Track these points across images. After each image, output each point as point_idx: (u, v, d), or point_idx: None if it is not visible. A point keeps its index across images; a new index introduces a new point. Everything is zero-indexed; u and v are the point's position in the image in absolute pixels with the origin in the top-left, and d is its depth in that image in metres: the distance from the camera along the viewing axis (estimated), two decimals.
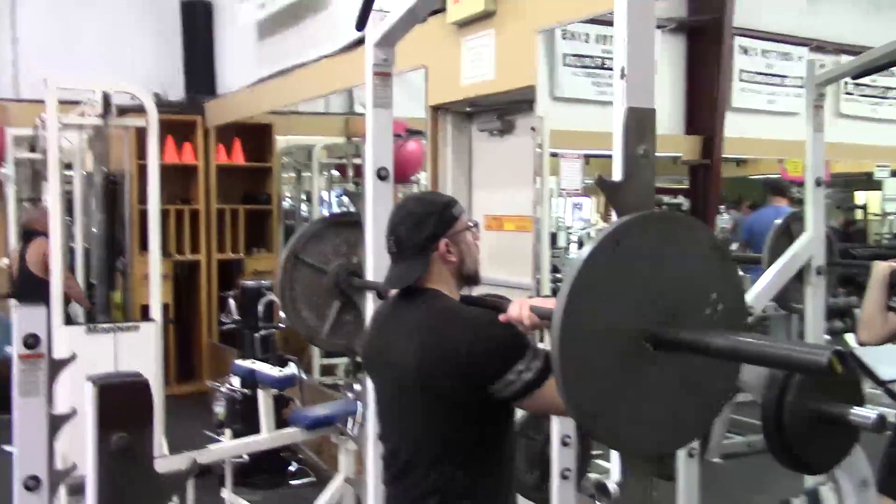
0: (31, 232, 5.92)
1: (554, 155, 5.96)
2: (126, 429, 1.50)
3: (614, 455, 1.50)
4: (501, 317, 1.94)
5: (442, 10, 3.90)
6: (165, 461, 2.91)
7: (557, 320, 1.30)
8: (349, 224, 2.84)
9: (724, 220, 10.51)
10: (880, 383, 4.83)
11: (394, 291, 2.10)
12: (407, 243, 1.97)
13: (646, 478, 1.52)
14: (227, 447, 4.15)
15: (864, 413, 1.66)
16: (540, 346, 1.84)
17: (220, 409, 4.89)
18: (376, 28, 2.50)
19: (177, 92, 7.77)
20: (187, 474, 1.72)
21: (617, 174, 1.52)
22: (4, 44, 7.22)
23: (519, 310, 1.88)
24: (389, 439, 2.05)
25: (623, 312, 1.33)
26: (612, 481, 1.48)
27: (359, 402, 3.44)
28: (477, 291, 2.19)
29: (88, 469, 1.56)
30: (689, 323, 1.36)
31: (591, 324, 1.31)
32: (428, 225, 1.96)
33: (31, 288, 5.65)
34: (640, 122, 1.54)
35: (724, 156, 7.87)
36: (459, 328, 1.86)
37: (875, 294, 2.88)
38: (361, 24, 2.43)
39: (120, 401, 1.52)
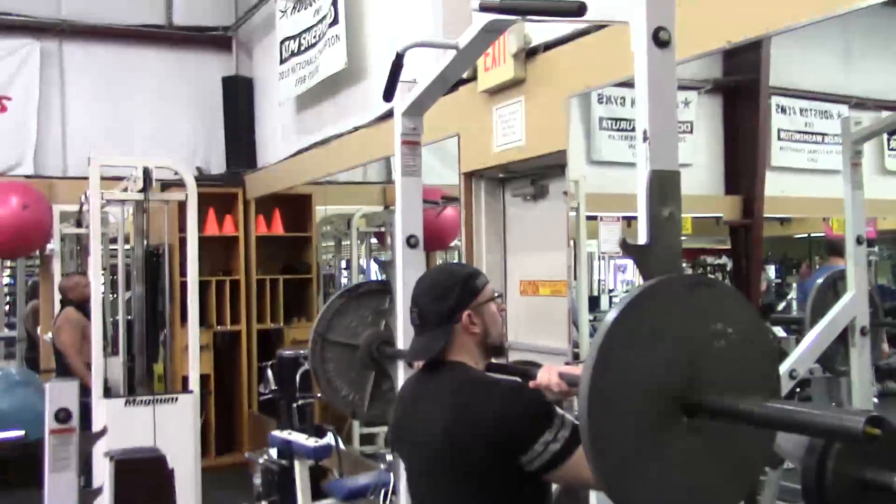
0: (65, 301, 6.02)
1: (593, 218, 5.96)
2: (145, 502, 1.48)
3: None
4: (531, 383, 1.91)
5: (473, 79, 3.95)
6: None
7: (585, 386, 1.27)
8: (370, 293, 2.83)
9: (767, 278, 10.35)
10: None
11: (419, 364, 2.09)
12: (430, 315, 1.97)
13: None
14: None
15: None
16: (568, 416, 1.80)
17: (258, 480, 4.86)
18: (404, 98, 2.53)
19: (218, 165, 7.94)
20: None
21: (642, 237, 1.51)
22: (54, 124, 7.45)
23: (548, 376, 1.85)
24: None
25: (652, 378, 1.30)
26: None
27: (391, 473, 3.39)
28: (513, 357, 2.17)
29: None
30: (722, 388, 1.32)
31: (619, 389, 1.28)
32: (451, 296, 1.96)
33: (58, 359, 5.76)
34: (664, 185, 1.53)
35: (765, 215, 7.78)
36: (486, 398, 1.84)
37: None
38: (389, 94, 2.46)
39: (138, 476, 1.51)
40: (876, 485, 1.65)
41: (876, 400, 3.53)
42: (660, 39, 1.51)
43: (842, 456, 1.66)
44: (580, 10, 1.63)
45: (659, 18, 1.50)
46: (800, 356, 3.01)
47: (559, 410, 1.83)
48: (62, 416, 1.88)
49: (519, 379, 2.04)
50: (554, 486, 2.01)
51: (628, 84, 1.60)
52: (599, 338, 1.28)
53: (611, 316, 1.30)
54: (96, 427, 3.44)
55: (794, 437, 1.67)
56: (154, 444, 3.69)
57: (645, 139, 1.52)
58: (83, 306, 5.59)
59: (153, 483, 1.47)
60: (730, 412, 1.27)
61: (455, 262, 2.23)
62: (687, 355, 1.32)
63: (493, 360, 2.10)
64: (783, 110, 7.75)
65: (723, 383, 1.33)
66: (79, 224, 6.84)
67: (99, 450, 2.02)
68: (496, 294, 2.08)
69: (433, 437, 1.89)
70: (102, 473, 2.07)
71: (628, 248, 1.47)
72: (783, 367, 2.92)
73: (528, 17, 2.13)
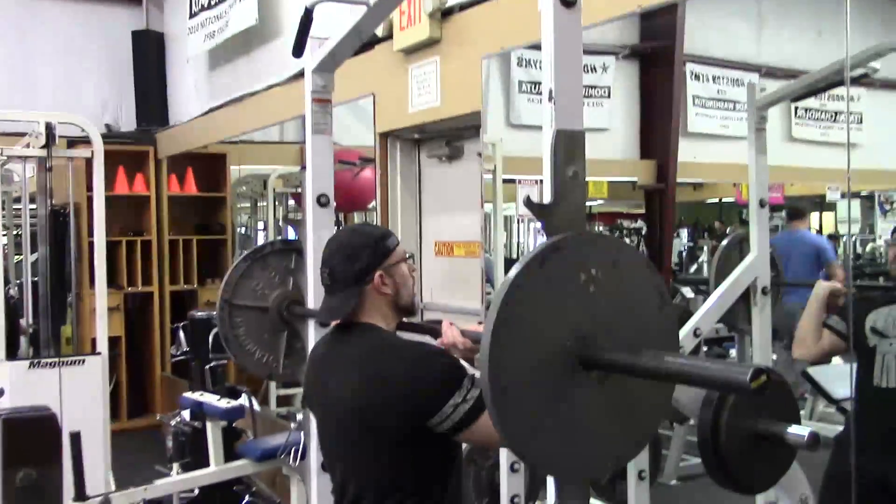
0: None
1: (511, 181, 5.99)
2: (34, 465, 1.44)
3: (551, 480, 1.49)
4: (438, 341, 1.92)
5: (389, 37, 3.91)
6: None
7: (486, 343, 1.28)
8: (276, 253, 2.80)
9: (680, 243, 10.62)
10: (833, 401, 4.89)
11: (332, 324, 2.09)
12: (340, 275, 1.97)
13: (583, 501, 1.50)
14: (174, 481, 4.06)
15: (799, 431, 1.65)
16: (477, 376, 1.82)
17: (170, 443, 4.80)
18: (314, 55, 2.49)
19: (129, 123, 7.70)
20: None
21: (547, 196, 1.52)
22: None
23: (451, 335, 1.87)
24: (336, 474, 2.03)
25: (552, 333, 1.32)
26: None
27: (302, 433, 3.39)
28: (427, 317, 2.18)
29: None
30: (619, 343, 1.35)
31: (519, 346, 1.30)
32: (362, 257, 1.96)
33: None
34: (569, 145, 1.54)
35: (679, 180, 7.96)
36: (394, 363, 1.86)
37: (812, 311, 2.92)
38: (298, 50, 2.42)
39: (27, 437, 1.47)
40: (769, 435, 1.71)
41: (774, 357, 3.67)
42: (566, 0, 1.51)
43: (736, 409, 1.72)
44: None
45: None
46: (703, 315, 3.10)
47: (469, 370, 1.86)
48: None
49: (430, 337, 2.06)
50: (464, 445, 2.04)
51: None
52: (499, 295, 1.29)
53: (512, 272, 1.31)
54: None
55: (691, 391, 1.73)
56: (60, 407, 3.60)
57: (550, 98, 1.53)
58: None
59: (43, 442, 1.44)
60: (624, 366, 1.30)
61: (366, 223, 2.20)
62: (584, 311, 1.34)
63: (405, 320, 2.11)
64: (697, 77, 7.93)
65: (622, 338, 1.36)
66: None
67: None
68: (407, 255, 2.09)
69: (343, 402, 1.91)
70: None
71: (533, 207, 1.48)
72: (688, 326, 3.01)
73: None
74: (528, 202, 1.50)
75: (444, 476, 1.92)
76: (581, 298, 1.34)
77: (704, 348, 4.50)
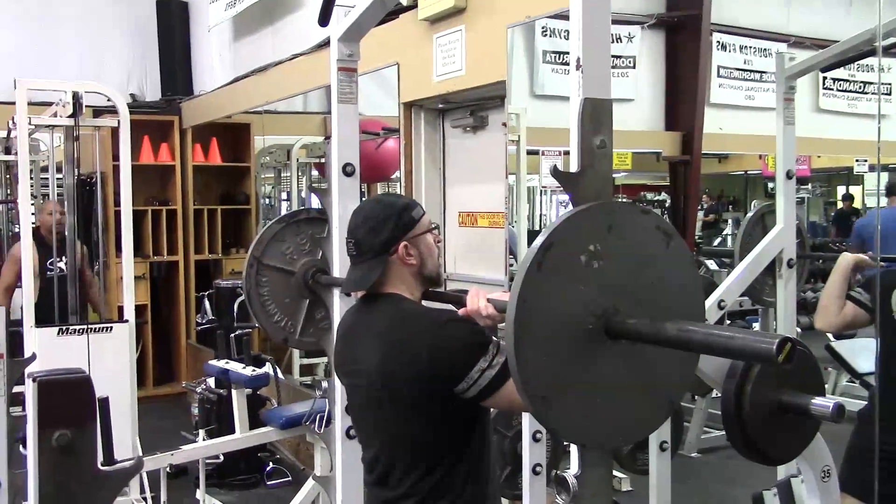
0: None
1: (535, 153, 5.97)
2: (68, 426, 1.47)
3: (573, 448, 1.50)
4: (462, 310, 1.93)
5: (414, 6, 3.89)
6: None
7: (511, 309, 1.29)
8: (309, 220, 2.81)
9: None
10: (857, 375, 4.87)
11: (357, 295, 2.09)
12: (366, 246, 1.97)
13: (605, 470, 1.51)
14: (199, 447, 4.12)
15: (824, 403, 1.65)
16: (503, 342, 1.83)
17: (196, 410, 4.87)
18: (340, 23, 2.48)
19: (153, 92, 7.73)
20: (131, 473, 1.69)
21: (574, 165, 1.52)
22: None
23: (476, 302, 1.87)
24: (368, 444, 2.05)
25: (577, 301, 1.32)
26: (572, 474, 1.47)
27: (326, 401, 3.42)
28: (451, 287, 2.18)
29: (30, 468, 1.53)
30: (640, 302, 1.35)
31: (544, 312, 1.30)
32: (387, 228, 1.96)
33: None
34: (596, 113, 1.53)
35: (704, 152, 7.89)
36: (419, 331, 1.87)
37: (835, 282, 2.90)
38: (324, 19, 2.41)
39: (61, 398, 1.50)
40: (793, 407, 1.71)
41: (799, 330, 3.66)
42: None
43: (760, 380, 1.72)
44: None
45: None
46: (728, 287, 3.08)
47: (493, 338, 1.86)
48: None
49: (452, 307, 2.07)
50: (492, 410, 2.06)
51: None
52: (527, 260, 1.29)
53: (539, 240, 1.31)
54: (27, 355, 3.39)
55: (716, 362, 1.73)
56: (88, 373, 3.66)
57: (578, 67, 1.52)
58: (39, 234, 5.32)
59: (77, 403, 1.47)
60: (647, 335, 1.30)
61: (391, 193, 2.16)
62: (614, 279, 1.34)
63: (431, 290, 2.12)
64: (723, 47, 7.83)
65: (648, 308, 1.36)
66: (7, 151, 6.62)
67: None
68: (433, 225, 2.07)
69: (370, 370, 1.91)
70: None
71: (559, 176, 1.48)
72: (712, 298, 3.00)
73: None
74: (556, 171, 1.49)
75: (473, 442, 1.93)
76: (607, 266, 1.34)
77: (727, 322, 4.48)
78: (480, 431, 1.96)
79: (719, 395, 1.80)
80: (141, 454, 4.18)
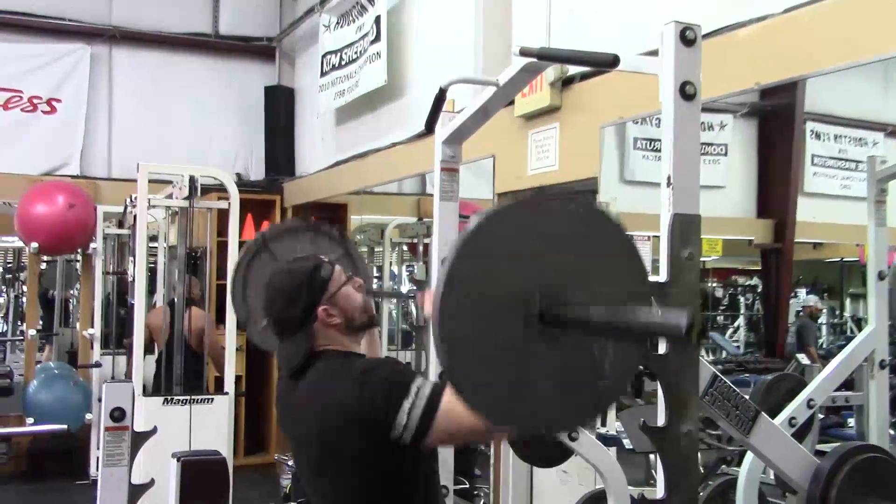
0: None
1: None
2: (204, 501, 1.61)
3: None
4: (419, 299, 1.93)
5: (510, 103, 4.08)
6: None
7: (436, 304, 1.28)
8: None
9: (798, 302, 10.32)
10: None
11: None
12: (286, 323, 1.95)
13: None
14: None
15: None
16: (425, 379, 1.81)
17: (286, 481, 5.00)
18: (445, 128, 2.65)
19: (257, 172, 8.11)
20: None
21: (662, 275, 1.62)
22: (101, 127, 7.64)
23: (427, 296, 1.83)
24: None
25: (508, 289, 1.33)
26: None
27: None
28: None
29: None
30: (580, 297, 1.35)
31: (475, 302, 1.31)
32: (301, 297, 1.92)
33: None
34: (685, 227, 1.64)
35: (797, 239, 7.80)
36: (341, 386, 1.84)
37: None
38: (431, 125, 2.57)
39: (200, 476, 1.64)
40: None
41: (892, 432, 3.59)
42: (686, 93, 1.62)
43: (846, 485, 1.75)
44: (614, 62, 1.75)
45: (686, 73, 1.61)
46: (818, 385, 3.08)
47: (415, 374, 1.82)
48: (117, 414, 2.03)
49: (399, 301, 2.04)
50: None
51: None
52: (448, 261, 1.30)
53: (460, 237, 1.33)
54: (137, 425, 3.60)
55: (799, 464, 1.77)
56: (189, 442, 3.86)
57: (669, 184, 1.63)
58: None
59: (214, 483, 1.60)
60: (569, 320, 1.32)
61: (298, 257, 2.03)
62: (551, 269, 1.36)
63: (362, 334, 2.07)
64: (817, 136, 7.78)
65: (586, 294, 1.36)
66: (120, 225, 7.01)
67: (146, 447, 2.15)
68: (346, 275, 2.02)
69: (306, 435, 1.92)
70: (147, 470, 2.21)
71: (650, 286, 1.58)
72: (801, 397, 2.99)
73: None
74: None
75: (416, 494, 1.90)
76: (541, 257, 1.36)
77: (821, 416, 4.41)
78: (426, 486, 1.93)
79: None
80: None
